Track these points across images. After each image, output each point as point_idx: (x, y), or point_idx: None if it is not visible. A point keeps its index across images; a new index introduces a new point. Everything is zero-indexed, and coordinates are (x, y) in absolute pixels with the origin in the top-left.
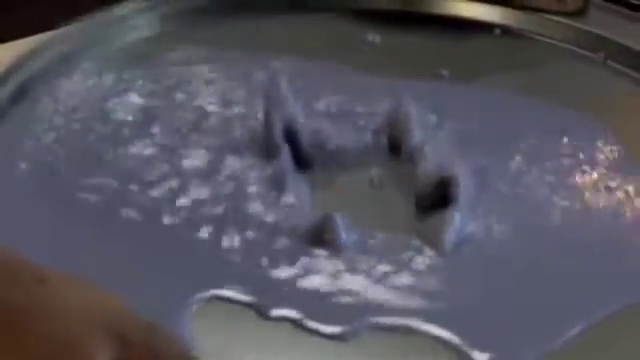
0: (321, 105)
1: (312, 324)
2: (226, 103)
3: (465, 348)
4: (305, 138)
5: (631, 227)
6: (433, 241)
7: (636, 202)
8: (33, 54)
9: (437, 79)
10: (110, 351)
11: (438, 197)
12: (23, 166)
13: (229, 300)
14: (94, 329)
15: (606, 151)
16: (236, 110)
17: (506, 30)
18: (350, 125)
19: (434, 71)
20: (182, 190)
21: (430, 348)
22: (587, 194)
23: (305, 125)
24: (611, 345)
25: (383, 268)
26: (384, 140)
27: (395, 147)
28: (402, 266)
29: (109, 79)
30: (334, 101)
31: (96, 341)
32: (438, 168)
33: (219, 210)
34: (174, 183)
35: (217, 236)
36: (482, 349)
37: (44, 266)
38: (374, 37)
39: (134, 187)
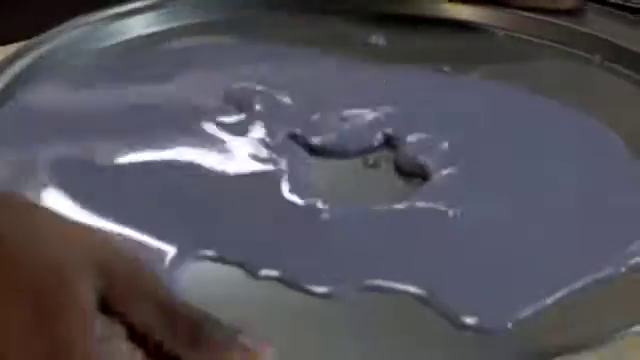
0: (323, 104)
1: (300, 284)
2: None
3: (450, 310)
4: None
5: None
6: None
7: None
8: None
9: (437, 77)
10: (94, 281)
11: None
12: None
13: (218, 260)
14: (79, 259)
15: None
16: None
17: (507, 33)
18: (351, 123)
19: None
20: (175, 153)
21: (415, 310)
22: (569, 179)
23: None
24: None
25: (370, 232)
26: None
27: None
28: (389, 231)
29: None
30: (336, 101)
31: (80, 272)
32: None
33: (210, 172)
34: (169, 151)
35: (207, 197)
36: (468, 312)
37: (33, 199)
38: (377, 38)
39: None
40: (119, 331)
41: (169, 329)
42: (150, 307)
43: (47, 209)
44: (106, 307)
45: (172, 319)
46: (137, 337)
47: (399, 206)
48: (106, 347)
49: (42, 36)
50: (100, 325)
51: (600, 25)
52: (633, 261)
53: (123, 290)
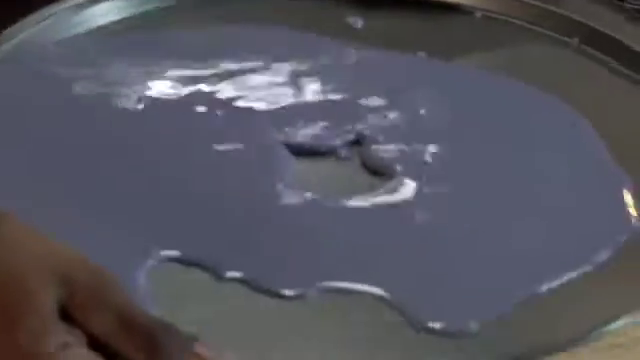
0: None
1: (264, 286)
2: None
3: (415, 314)
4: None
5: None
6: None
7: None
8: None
9: (413, 60)
10: (55, 291)
11: None
12: None
13: (183, 261)
14: (41, 270)
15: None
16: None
17: (485, 14)
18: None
19: (412, 52)
20: (146, 150)
21: (378, 311)
22: (542, 166)
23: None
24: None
25: (336, 232)
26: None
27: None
28: (355, 229)
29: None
30: (311, 89)
31: (42, 281)
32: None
33: (180, 172)
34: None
35: (174, 197)
36: (432, 315)
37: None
38: (355, 20)
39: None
40: (79, 339)
41: (127, 338)
42: (109, 316)
43: (9, 217)
44: (67, 315)
45: (130, 328)
46: (97, 345)
47: (365, 204)
48: (66, 354)
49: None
50: (61, 333)
51: (578, 8)
52: (598, 260)
53: (83, 299)
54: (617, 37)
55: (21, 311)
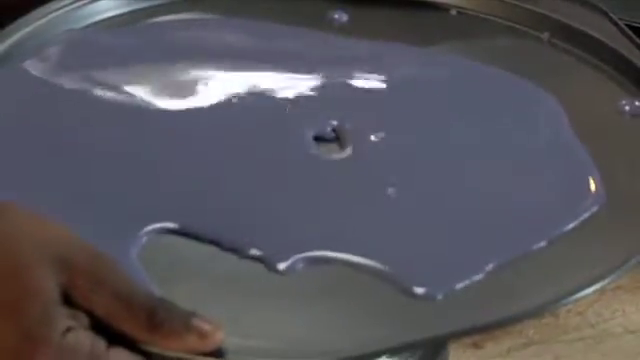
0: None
1: (255, 255)
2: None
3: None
4: None
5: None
6: None
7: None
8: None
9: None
10: (57, 276)
11: None
12: None
13: (178, 232)
14: (42, 257)
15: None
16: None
17: (460, 11)
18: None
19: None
20: (140, 125)
21: (358, 280)
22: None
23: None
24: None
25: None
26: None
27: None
28: (336, 205)
29: None
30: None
31: (43, 268)
32: None
33: (175, 147)
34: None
35: (168, 171)
36: (414, 281)
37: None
38: (340, 15)
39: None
40: (82, 321)
41: (128, 317)
42: (110, 298)
43: (9, 205)
44: (68, 299)
45: (130, 308)
46: (99, 326)
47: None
48: (70, 337)
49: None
50: (63, 317)
51: (549, 4)
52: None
53: (84, 283)
54: (584, 30)
55: (24, 298)
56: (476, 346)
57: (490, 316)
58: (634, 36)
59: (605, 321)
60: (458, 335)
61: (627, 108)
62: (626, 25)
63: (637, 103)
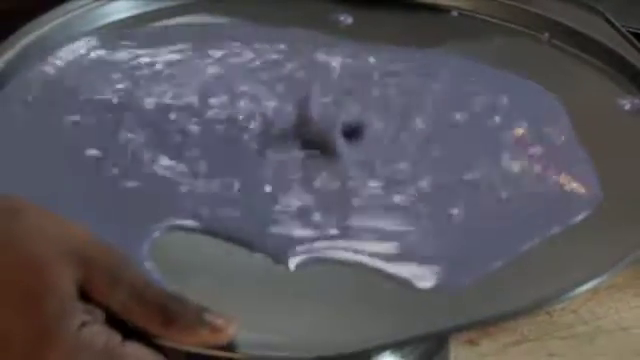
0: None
1: (274, 256)
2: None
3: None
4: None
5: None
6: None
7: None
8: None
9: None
10: (74, 273)
11: None
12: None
13: (188, 229)
14: (61, 254)
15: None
16: None
17: (461, 12)
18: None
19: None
20: (145, 125)
21: (371, 277)
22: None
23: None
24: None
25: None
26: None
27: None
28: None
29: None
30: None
31: (60, 264)
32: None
33: (183, 145)
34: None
35: (180, 167)
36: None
37: (19, 199)
38: (346, 18)
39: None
40: (97, 316)
41: (143, 312)
42: (125, 293)
43: (25, 204)
44: (84, 295)
45: (145, 303)
46: (115, 321)
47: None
48: (85, 332)
49: (30, 24)
50: (79, 313)
51: (548, 6)
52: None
53: (100, 279)
54: (582, 31)
55: (41, 294)
56: (472, 343)
57: (487, 312)
58: (631, 37)
59: (598, 319)
60: (459, 330)
61: (626, 107)
62: None
63: (636, 101)
